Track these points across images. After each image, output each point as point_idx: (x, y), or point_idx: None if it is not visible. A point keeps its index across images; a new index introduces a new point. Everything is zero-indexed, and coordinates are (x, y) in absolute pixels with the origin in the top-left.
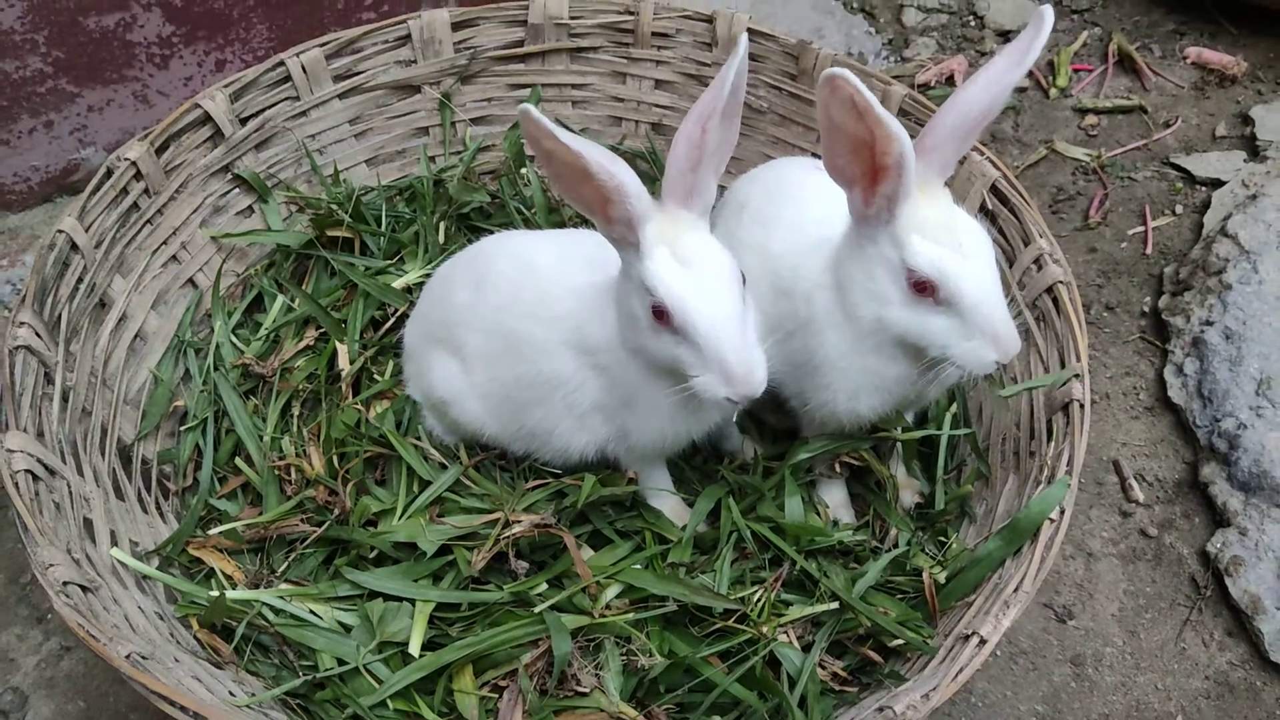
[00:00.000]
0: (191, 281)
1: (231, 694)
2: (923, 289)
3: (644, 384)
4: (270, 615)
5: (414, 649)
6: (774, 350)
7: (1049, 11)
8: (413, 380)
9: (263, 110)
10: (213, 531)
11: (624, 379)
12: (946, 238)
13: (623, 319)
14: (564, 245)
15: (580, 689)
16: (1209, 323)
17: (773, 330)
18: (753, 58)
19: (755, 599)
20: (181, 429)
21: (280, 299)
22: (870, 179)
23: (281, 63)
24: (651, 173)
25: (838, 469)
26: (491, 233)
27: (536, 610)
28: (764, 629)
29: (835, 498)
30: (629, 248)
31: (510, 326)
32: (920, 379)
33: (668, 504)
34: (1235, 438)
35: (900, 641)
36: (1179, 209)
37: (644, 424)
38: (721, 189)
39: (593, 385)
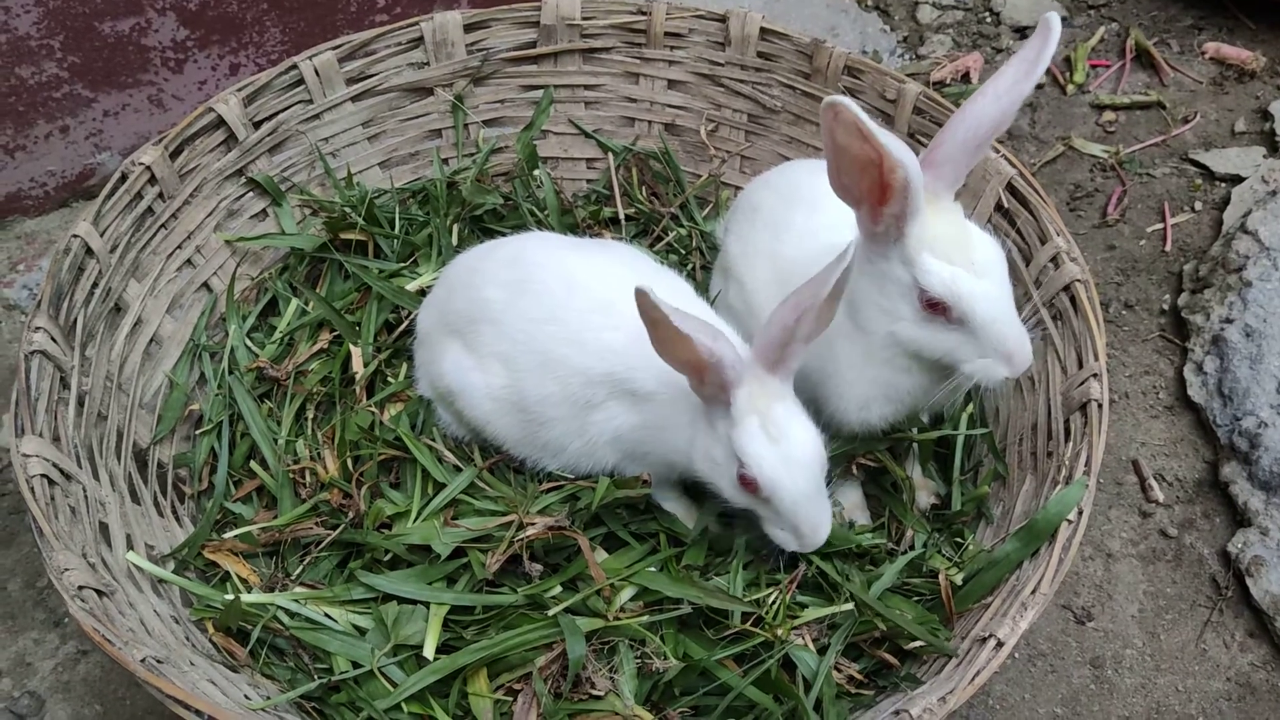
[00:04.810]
0: (206, 285)
1: (247, 697)
2: (935, 307)
3: (685, 424)
4: (285, 619)
5: (428, 652)
6: None
7: (1055, 19)
8: (422, 367)
9: (276, 114)
10: (228, 535)
11: (662, 423)
12: (958, 255)
13: (704, 460)
14: (612, 267)
15: (595, 692)
16: (1229, 320)
17: None
18: (766, 57)
19: (770, 601)
20: (197, 433)
21: (294, 302)
22: (877, 198)
23: (294, 66)
24: (665, 173)
25: (854, 471)
26: (504, 234)
27: (551, 613)
28: (779, 631)
29: (851, 499)
30: (718, 405)
31: (547, 345)
32: (932, 389)
33: (679, 507)
34: (1256, 436)
35: (917, 644)
36: (1198, 205)
37: (661, 455)
38: (736, 189)
39: (621, 420)
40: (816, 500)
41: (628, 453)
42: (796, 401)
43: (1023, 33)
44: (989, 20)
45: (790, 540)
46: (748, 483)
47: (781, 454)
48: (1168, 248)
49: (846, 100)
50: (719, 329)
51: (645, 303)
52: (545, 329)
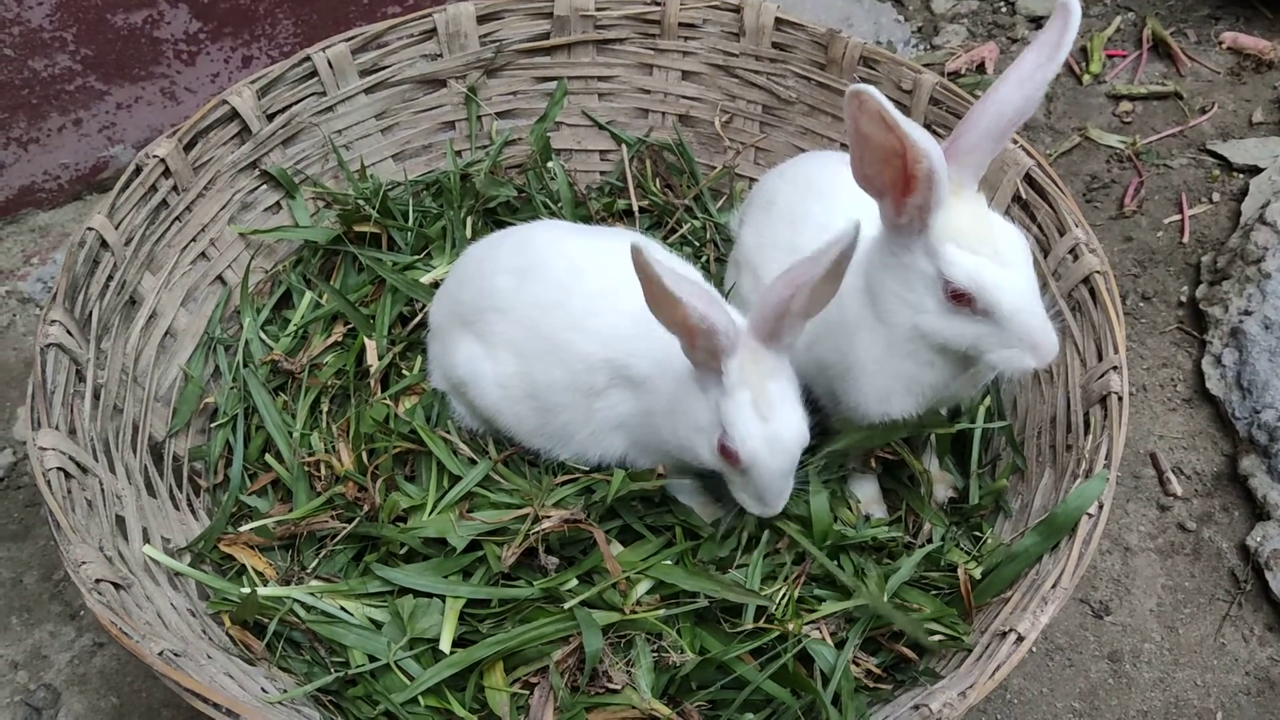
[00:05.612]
0: (220, 278)
1: (264, 690)
2: (960, 299)
3: (683, 398)
4: (301, 612)
5: (445, 646)
6: (806, 354)
7: (1075, 2)
8: (435, 360)
9: (289, 106)
10: (244, 528)
11: (661, 406)
12: (983, 246)
13: (687, 426)
14: (618, 252)
15: (612, 686)
16: (1248, 312)
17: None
18: (781, 47)
19: (780, 596)
20: (212, 426)
21: (308, 295)
22: (901, 189)
23: (308, 58)
24: (679, 165)
25: (871, 464)
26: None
27: (567, 606)
28: (791, 626)
29: (867, 492)
30: (710, 372)
31: (553, 330)
32: (954, 382)
33: (695, 500)
34: (1275, 429)
35: (935, 639)
36: (1216, 196)
37: (667, 439)
38: (751, 181)
39: (624, 408)
40: (786, 477)
41: (636, 441)
42: (791, 378)
43: (1038, 22)
44: (1004, 10)
45: (753, 505)
46: (728, 453)
47: (768, 433)
48: (1185, 239)
49: (871, 89)
50: (714, 294)
51: (640, 260)
52: (552, 314)
